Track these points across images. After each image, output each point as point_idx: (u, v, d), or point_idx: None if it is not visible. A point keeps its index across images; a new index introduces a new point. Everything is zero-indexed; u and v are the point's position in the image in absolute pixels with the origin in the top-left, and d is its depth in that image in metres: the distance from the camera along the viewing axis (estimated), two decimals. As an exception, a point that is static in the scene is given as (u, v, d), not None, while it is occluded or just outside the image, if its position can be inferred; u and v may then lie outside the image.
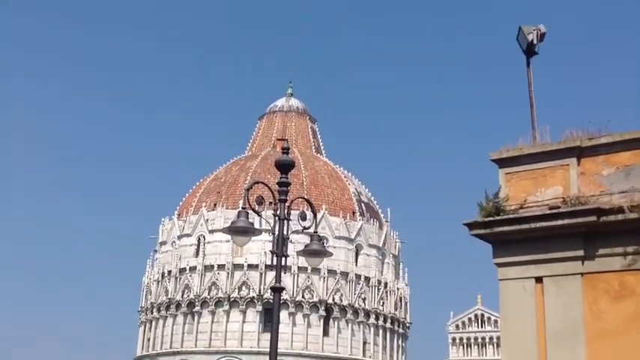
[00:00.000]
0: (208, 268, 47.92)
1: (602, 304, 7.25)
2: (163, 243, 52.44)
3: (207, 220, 49.56)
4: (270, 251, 10.73)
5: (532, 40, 9.09)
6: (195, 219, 50.29)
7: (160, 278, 50.46)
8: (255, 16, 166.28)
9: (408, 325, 53.22)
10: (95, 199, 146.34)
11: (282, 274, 10.53)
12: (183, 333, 47.49)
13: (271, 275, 40.82)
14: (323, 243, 12.05)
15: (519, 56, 9.33)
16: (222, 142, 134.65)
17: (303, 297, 46.62)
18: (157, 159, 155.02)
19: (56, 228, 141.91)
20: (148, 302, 50.73)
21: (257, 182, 11.86)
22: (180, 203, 54.01)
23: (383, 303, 50.20)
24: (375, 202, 56.01)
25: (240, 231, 10.47)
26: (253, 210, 10.88)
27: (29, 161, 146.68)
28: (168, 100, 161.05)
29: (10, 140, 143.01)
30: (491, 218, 7.77)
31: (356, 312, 48.22)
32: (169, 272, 49.68)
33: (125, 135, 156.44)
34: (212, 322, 46.62)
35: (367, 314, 48.85)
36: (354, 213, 51.19)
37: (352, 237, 49.86)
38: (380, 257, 51.63)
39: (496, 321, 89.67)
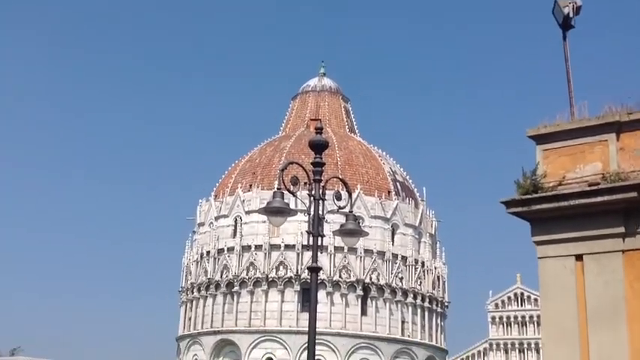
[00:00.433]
0: (246, 248, 48.34)
1: (643, 282, 7.13)
2: (201, 224, 53.03)
3: (244, 201, 49.91)
4: (307, 231, 10.74)
5: (568, 14, 8.90)
6: (232, 200, 50.70)
7: (199, 259, 51.10)
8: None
9: (446, 304, 53.02)
10: (135, 183, 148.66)
11: (319, 254, 10.56)
12: (223, 312, 48.10)
13: (308, 255, 40.99)
14: (359, 223, 12.05)
15: (556, 30, 9.13)
16: (256, 123, 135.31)
17: (340, 277, 46.77)
18: (193, 141, 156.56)
19: (99, 213, 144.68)
20: (188, 282, 51.46)
21: (291, 163, 11.86)
22: (217, 185, 54.46)
23: (420, 282, 50.09)
24: (410, 181, 55.69)
25: (276, 211, 10.52)
26: (288, 190, 10.90)
27: (75, 149, 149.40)
28: (203, 83, 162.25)
29: (58, 132, 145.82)
30: (529, 196, 7.68)
31: (393, 291, 48.22)
32: (208, 253, 50.25)
33: (163, 119, 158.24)
34: (251, 301, 47.11)
35: (405, 293, 48.80)
36: (389, 192, 51.00)
37: (388, 216, 49.72)
38: (416, 236, 51.43)
39: (536, 299, 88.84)
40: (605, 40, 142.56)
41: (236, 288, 47.63)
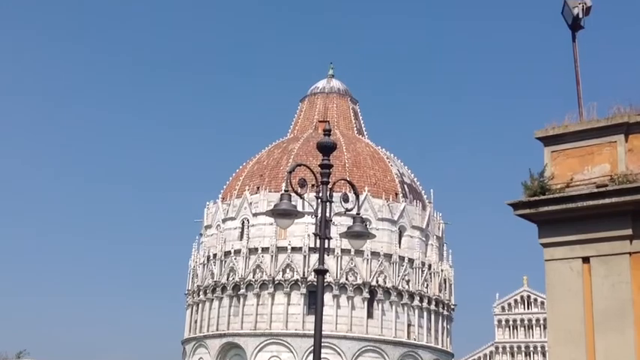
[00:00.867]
0: (252, 251, 48.36)
1: (651, 284, 7.10)
2: (208, 227, 53.08)
3: (251, 203, 49.94)
4: (313, 233, 10.74)
5: (577, 14, 8.87)
6: (239, 202, 50.73)
7: (206, 261, 51.14)
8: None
9: (452, 307, 52.89)
10: (143, 185, 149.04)
11: (326, 256, 10.54)
12: (229, 315, 48.12)
13: (315, 258, 41.06)
14: (366, 225, 12.04)
15: (565, 31, 9.11)
16: (265, 124, 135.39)
17: (346, 279, 46.73)
18: (201, 143, 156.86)
19: (106, 215, 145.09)
20: (195, 285, 51.49)
21: (299, 165, 11.85)
22: (224, 187, 54.51)
23: (427, 285, 49.99)
24: (417, 183, 55.62)
25: (283, 214, 10.52)
26: (296, 192, 10.90)
27: (83, 150, 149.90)
28: (211, 85, 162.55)
29: (69, 133, 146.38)
30: (537, 198, 7.66)
31: (400, 294, 48.14)
32: (215, 255, 50.30)
33: (171, 121, 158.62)
34: (257, 304, 47.11)
35: (411, 296, 48.72)
36: (396, 194, 50.95)
37: (395, 219, 49.67)
38: (423, 239, 51.35)
39: (543, 302, 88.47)
40: (614, 41, 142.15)
41: (242, 291, 47.64)
